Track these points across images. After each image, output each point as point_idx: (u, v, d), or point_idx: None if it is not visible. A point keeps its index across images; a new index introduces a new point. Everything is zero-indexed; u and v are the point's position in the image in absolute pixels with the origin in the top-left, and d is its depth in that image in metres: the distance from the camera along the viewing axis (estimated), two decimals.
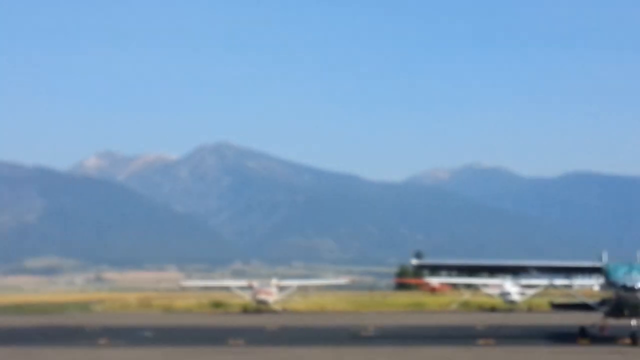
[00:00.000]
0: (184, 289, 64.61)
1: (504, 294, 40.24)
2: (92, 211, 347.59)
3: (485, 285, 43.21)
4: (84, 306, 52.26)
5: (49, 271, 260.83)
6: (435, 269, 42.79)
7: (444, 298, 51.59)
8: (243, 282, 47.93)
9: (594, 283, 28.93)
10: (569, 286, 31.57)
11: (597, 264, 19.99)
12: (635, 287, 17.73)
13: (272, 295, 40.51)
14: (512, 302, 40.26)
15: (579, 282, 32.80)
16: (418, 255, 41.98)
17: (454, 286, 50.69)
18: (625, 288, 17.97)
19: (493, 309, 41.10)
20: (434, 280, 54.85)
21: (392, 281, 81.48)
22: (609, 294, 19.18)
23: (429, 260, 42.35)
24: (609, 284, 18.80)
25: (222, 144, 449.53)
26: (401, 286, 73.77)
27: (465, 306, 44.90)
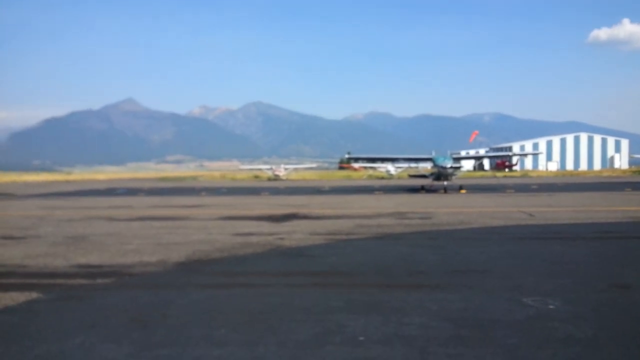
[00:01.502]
0: (240, 169, 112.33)
1: (388, 171, 67.33)
2: (198, 135, 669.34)
3: (380, 167, 73.84)
4: (194, 178, 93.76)
5: (178, 161, 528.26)
6: (356, 159, 67.16)
7: (360, 173, 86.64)
8: (267, 166, 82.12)
9: (428, 165, 39.82)
10: (417, 166, 50.65)
11: (430, 156, 37.43)
12: (446, 166, 35.07)
13: (281, 172, 71.80)
14: (391, 175, 68.12)
15: (422, 164, 51.34)
16: (349, 153, 66.62)
17: (365, 167, 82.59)
18: (441, 167, 35.41)
19: (383, 178, 68.76)
20: (356, 165, 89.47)
21: (337, 165, 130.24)
22: (434, 170, 36.47)
23: (353, 155, 71.47)
24: (434, 165, 36.10)
25: (258, 102, 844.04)
26: (341, 168, 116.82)
27: (370, 177, 76.10)
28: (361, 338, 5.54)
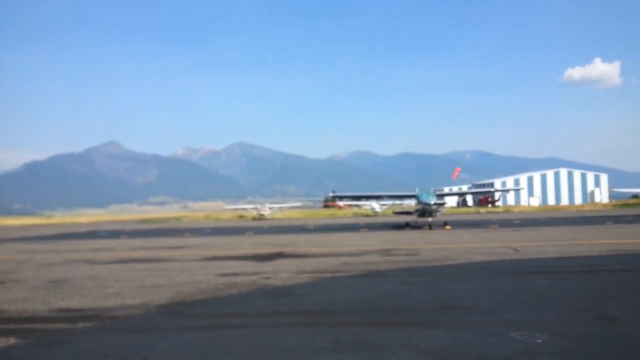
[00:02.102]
0: (225, 209, 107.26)
1: (373, 208, 67.86)
2: (182, 177, 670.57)
3: (364, 205, 74.15)
4: (177, 219, 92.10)
5: (162, 203, 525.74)
6: (341, 198, 70.39)
7: (345, 211, 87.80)
8: (252, 206, 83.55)
9: (413, 202, 40.46)
10: (401, 204, 50.94)
11: (414, 193, 37.60)
12: (430, 203, 35.24)
13: (266, 211, 71.81)
14: (376, 212, 68.74)
15: (406, 201, 51.73)
16: (334, 192, 67.30)
17: (350, 205, 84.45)
18: (425, 203, 35.58)
19: (367, 215, 69.05)
20: (341, 203, 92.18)
21: (322, 204, 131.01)
22: (418, 206, 36.60)
23: (338, 194, 71.90)
24: (419, 202, 36.27)
25: (242, 142, 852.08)
26: (326, 206, 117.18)
27: (355, 214, 76.23)
28: None
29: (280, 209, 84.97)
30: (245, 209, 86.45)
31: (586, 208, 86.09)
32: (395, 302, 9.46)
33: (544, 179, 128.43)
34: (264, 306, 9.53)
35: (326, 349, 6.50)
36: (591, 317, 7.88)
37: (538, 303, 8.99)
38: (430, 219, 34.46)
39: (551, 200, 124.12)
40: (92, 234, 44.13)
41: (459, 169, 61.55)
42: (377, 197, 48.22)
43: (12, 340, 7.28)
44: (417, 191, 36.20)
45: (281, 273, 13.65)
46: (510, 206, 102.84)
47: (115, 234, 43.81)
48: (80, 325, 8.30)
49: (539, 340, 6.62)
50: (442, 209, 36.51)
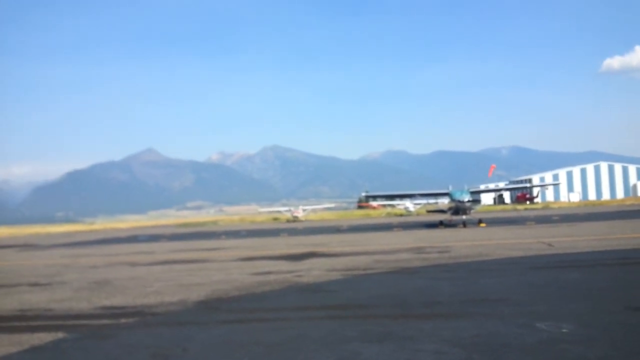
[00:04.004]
0: (259, 212, 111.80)
1: (406, 208, 67.33)
2: (217, 181, 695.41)
3: (398, 204, 73.61)
4: (214, 222, 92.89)
5: (198, 207, 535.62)
6: (374, 198, 68.93)
7: (379, 211, 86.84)
8: (286, 208, 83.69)
9: (446, 200, 39.61)
10: (436, 202, 50.29)
11: (447, 191, 37.40)
12: (463, 200, 35.03)
13: (300, 213, 72.23)
14: (410, 211, 68.39)
15: (440, 200, 51.06)
16: (367, 192, 67.11)
17: (384, 205, 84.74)
18: (458, 201, 35.34)
19: (401, 215, 68.37)
20: (375, 203, 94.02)
21: (355, 205, 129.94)
22: (452, 204, 36.36)
23: (370, 194, 71.03)
24: (452, 200, 36.05)
25: (275, 145, 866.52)
26: (360, 207, 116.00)
27: (389, 214, 75.41)
28: None
29: (314, 210, 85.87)
30: (279, 211, 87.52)
31: (628, 202, 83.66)
32: (423, 296, 9.64)
33: (583, 173, 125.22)
34: (295, 301, 9.86)
35: (354, 338, 6.76)
36: (619, 308, 7.91)
37: (567, 295, 9.04)
38: (464, 217, 34.20)
39: (592, 195, 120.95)
40: (133, 239, 45.37)
41: (494, 165, 60.76)
42: (410, 196, 48.05)
43: (60, 335, 7.78)
44: (450, 189, 35.99)
45: (313, 271, 13.95)
46: (549, 202, 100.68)
47: (154, 237, 44.94)
48: (123, 320, 8.77)
49: (564, 330, 6.72)
50: (476, 207, 36.18)
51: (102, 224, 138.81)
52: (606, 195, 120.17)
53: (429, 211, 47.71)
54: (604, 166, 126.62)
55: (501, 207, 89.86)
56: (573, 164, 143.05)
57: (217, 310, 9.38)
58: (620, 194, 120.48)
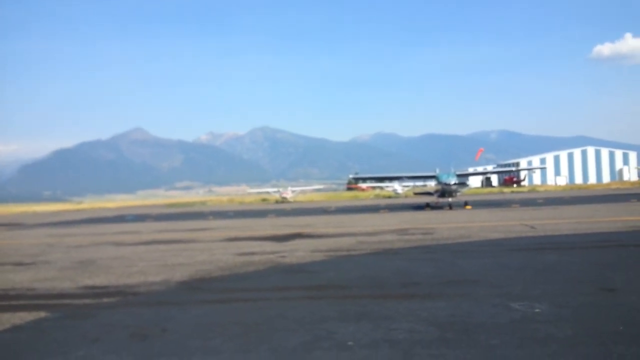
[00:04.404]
0: (248, 193, 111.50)
1: (394, 190, 67.44)
2: (206, 162, 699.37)
3: (386, 186, 74.07)
4: (202, 203, 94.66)
5: (187, 187, 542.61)
6: (363, 179, 69.60)
7: (367, 193, 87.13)
8: (275, 189, 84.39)
9: (433, 182, 41.56)
10: (424, 185, 50.66)
11: (434, 174, 37.64)
12: (450, 183, 35.26)
13: (289, 194, 72.59)
14: (398, 194, 68.67)
15: (429, 182, 51.46)
16: (356, 174, 67.33)
17: (373, 187, 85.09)
18: (445, 184, 35.60)
19: (390, 197, 68.10)
20: (364, 185, 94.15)
21: (345, 186, 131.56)
22: (439, 187, 36.58)
23: (358, 175, 73.15)
24: (438, 182, 36.26)
25: (264, 126, 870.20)
26: (349, 189, 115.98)
27: (377, 196, 75.20)
28: (350, 343, 5.81)
29: (303, 191, 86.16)
30: (268, 192, 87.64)
31: (613, 186, 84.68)
32: (403, 277, 9.79)
33: (571, 157, 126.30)
34: (277, 282, 9.96)
35: (332, 318, 6.88)
36: (593, 289, 8.10)
37: (543, 276, 9.22)
38: (450, 199, 34.48)
39: (579, 180, 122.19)
40: (119, 218, 45.26)
41: (482, 149, 61.20)
42: (398, 179, 48.31)
43: (42, 314, 7.84)
44: (437, 172, 36.20)
45: (297, 252, 14.07)
46: (536, 186, 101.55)
47: (141, 217, 44.86)
48: (105, 300, 8.84)
49: (537, 310, 6.89)
50: (462, 189, 36.44)
51: (90, 203, 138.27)
52: (592, 180, 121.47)
53: (416, 193, 48.04)
54: (590, 151, 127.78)
55: (488, 189, 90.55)
56: (561, 149, 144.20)
57: (198, 290, 9.47)
58: (606, 178, 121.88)
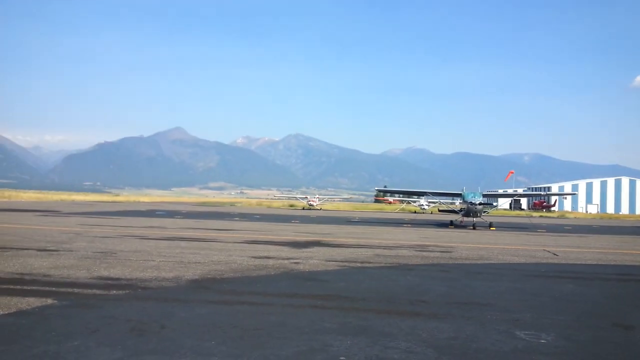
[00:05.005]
0: (275, 197, 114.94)
1: (421, 205, 68.03)
2: (240, 164, 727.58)
3: (413, 201, 75.07)
4: (232, 204, 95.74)
5: (220, 188, 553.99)
6: (385, 193, 69.56)
7: (394, 207, 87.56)
8: (303, 196, 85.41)
9: (459, 200, 40.48)
10: (453, 202, 49.70)
11: (460, 192, 37.12)
12: (475, 202, 34.74)
13: (315, 201, 73.05)
14: (424, 209, 68.95)
15: (453, 200, 50.54)
16: (385, 187, 67.16)
17: (402, 202, 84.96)
18: (470, 203, 35.10)
19: (415, 212, 67.66)
20: (390, 198, 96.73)
21: (372, 198, 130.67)
22: (464, 205, 36.14)
23: (382, 188, 69.89)
24: (464, 201, 35.82)
25: (299, 134, 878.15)
26: (376, 201, 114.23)
27: (403, 210, 75.28)
28: (342, 358, 5.74)
29: (330, 200, 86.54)
30: (296, 197, 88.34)
31: None
32: (413, 294, 9.65)
33: (604, 186, 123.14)
34: (285, 288, 9.95)
35: (331, 330, 6.82)
36: (607, 324, 7.83)
37: (556, 306, 8.96)
38: (474, 219, 34.04)
39: (610, 209, 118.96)
40: (151, 213, 46.04)
41: (512, 171, 60.22)
42: (422, 194, 47.74)
43: (49, 301, 7.99)
44: (464, 190, 35.77)
45: (312, 260, 14.03)
46: (566, 212, 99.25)
47: (171, 213, 45.53)
48: (113, 292, 8.96)
49: (542, 341, 6.69)
50: (488, 210, 35.93)
51: (127, 197, 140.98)
52: (625, 210, 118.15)
53: (440, 210, 47.50)
54: (625, 181, 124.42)
55: (516, 212, 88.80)
56: (595, 177, 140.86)
57: (207, 289, 9.52)
58: (639, 210, 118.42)
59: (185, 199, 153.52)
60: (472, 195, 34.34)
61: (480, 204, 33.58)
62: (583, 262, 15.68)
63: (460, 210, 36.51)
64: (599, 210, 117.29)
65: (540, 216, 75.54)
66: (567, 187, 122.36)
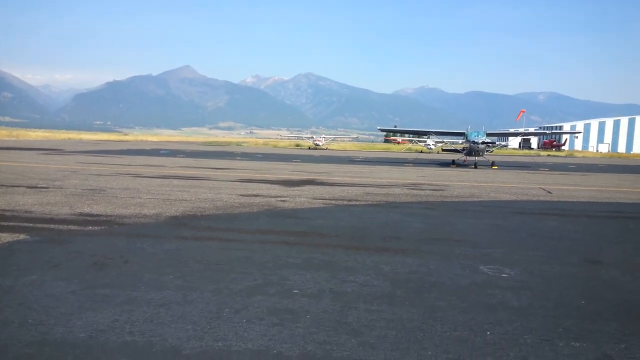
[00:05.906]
0: (281, 137, 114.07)
1: (427, 145, 67.29)
2: (249, 104, 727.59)
3: (419, 141, 74.11)
4: (238, 144, 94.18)
5: (230, 128, 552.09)
6: (392, 132, 68.89)
7: (401, 146, 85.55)
8: (308, 135, 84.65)
9: (462, 140, 39.92)
10: (454, 141, 49.15)
11: (463, 131, 36.79)
12: (477, 141, 34.46)
13: (321, 141, 72.52)
14: (430, 149, 68.65)
15: (458, 139, 49.99)
16: (395, 127, 66.93)
17: (410, 141, 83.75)
18: (472, 142, 34.80)
19: (421, 152, 68.21)
20: (399, 138, 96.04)
21: (382, 138, 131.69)
22: (467, 145, 35.90)
23: (388, 128, 69.95)
24: (467, 140, 35.56)
25: (309, 73, 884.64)
26: (386, 141, 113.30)
27: (409, 150, 75.32)
28: (295, 291, 5.76)
29: (335, 139, 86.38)
30: (302, 137, 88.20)
31: None
32: (389, 230, 9.63)
33: (617, 125, 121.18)
34: (263, 225, 9.97)
35: (294, 265, 6.84)
36: (578, 260, 7.79)
37: (532, 242, 8.93)
38: (477, 158, 33.85)
39: (622, 148, 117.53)
40: (154, 152, 46.19)
41: (523, 110, 59.25)
42: (425, 134, 47.11)
43: (21, 237, 8.06)
44: (467, 130, 35.38)
45: (299, 198, 14.03)
46: (575, 151, 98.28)
47: (174, 152, 45.66)
48: (88, 228, 9.03)
49: (504, 275, 6.68)
50: (491, 149, 35.57)
51: (135, 136, 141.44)
52: (638, 150, 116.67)
53: (443, 150, 47.26)
54: (639, 120, 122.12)
55: (524, 152, 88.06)
56: (610, 116, 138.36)
57: (183, 226, 9.57)
58: None
59: (193, 138, 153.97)
60: (475, 134, 34.03)
61: (482, 143, 33.25)
62: (575, 200, 15.58)
63: (463, 149, 36.25)
64: (610, 149, 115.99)
65: (548, 155, 74.96)
66: (579, 127, 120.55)
